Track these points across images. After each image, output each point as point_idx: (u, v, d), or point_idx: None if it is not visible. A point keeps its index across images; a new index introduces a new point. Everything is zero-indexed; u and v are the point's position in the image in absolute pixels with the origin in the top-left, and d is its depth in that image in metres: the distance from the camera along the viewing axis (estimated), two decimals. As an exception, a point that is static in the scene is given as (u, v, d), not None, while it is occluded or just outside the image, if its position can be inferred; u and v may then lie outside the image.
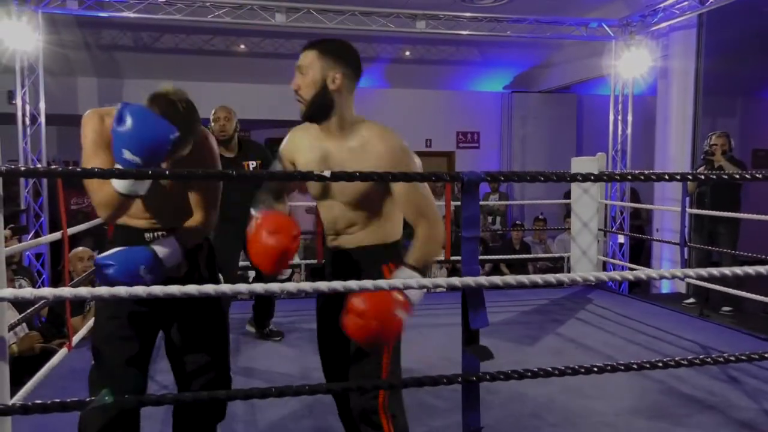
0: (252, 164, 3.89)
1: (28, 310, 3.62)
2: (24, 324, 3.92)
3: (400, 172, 2.03)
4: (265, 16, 6.66)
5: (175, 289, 1.68)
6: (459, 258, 2.10)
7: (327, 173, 1.91)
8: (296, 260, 6.76)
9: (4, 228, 5.04)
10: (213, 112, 4.01)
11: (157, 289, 1.68)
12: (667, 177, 2.12)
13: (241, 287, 1.80)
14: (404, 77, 10.12)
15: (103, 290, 1.72)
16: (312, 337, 4.31)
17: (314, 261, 6.10)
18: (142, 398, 1.87)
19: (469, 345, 2.25)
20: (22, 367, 3.55)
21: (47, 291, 1.77)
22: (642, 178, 2.12)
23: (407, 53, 9.72)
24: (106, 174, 1.75)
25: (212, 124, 3.94)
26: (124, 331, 2.10)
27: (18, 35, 6.18)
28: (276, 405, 3.03)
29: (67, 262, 3.50)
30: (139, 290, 1.68)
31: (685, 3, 6.48)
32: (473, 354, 2.13)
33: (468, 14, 7.15)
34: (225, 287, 1.76)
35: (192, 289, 1.70)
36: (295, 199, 4.76)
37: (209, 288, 1.74)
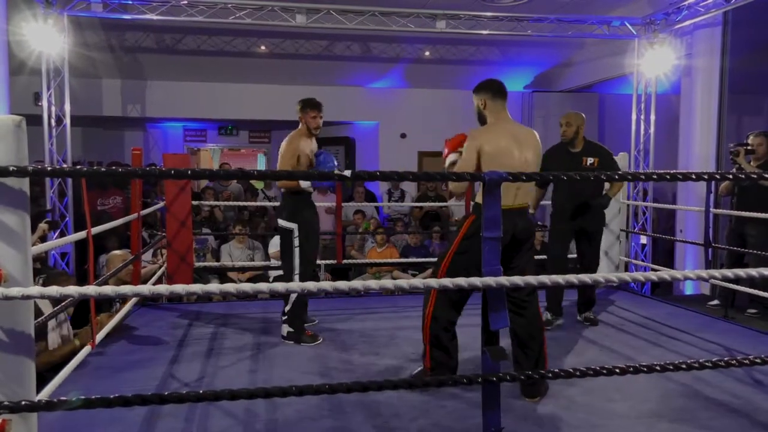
0: (590, 160, 4.49)
1: (54, 309, 3.67)
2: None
3: (423, 172, 2.03)
4: (285, 17, 6.69)
5: (197, 287, 1.70)
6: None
7: (347, 173, 1.92)
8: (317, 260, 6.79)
9: (41, 222, 5.11)
10: None
11: (179, 288, 1.70)
12: (694, 177, 2.09)
13: (262, 286, 1.82)
14: (424, 77, 10.10)
15: (126, 289, 1.75)
16: (332, 336, 4.35)
17: (334, 261, 6.12)
18: (165, 396, 1.89)
19: (488, 345, 2.24)
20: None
21: (73, 289, 1.80)
22: (668, 177, 2.10)
23: (427, 53, 9.70)
24: (129, 174, 1.77)
25: None
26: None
27: (44, 38, 6.29)
28: (296, 404, 3.04)
29: (92, 261, 3.55)
30: (161, 288, 1.70)
31: (710, 1, 6.39)
32: (489, 354, 2.13)
33: (488, 14, 7.12)
34: (246, 286, 1.77)
35: (214, 287, 1.71)
36: (315, 199, 4.83)
37: (230, 287, 1.76)
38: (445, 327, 3.28)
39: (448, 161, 3.28)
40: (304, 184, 4.17)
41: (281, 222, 4.26)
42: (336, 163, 4.33)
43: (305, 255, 4.19)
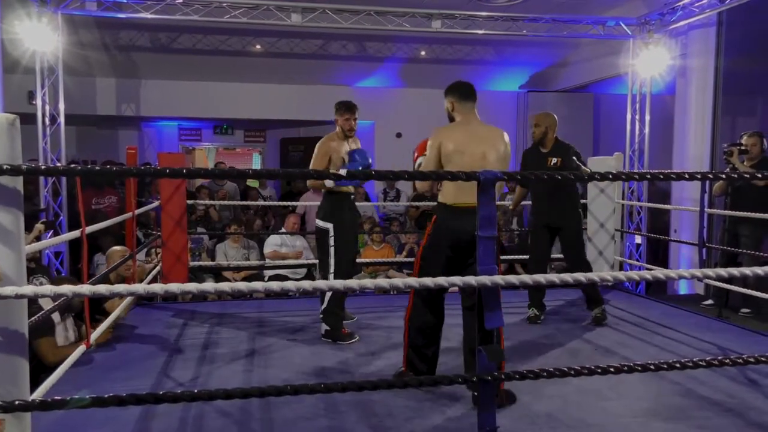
0: (554, 160, 4.61)
1: (47, 308, 3.66)
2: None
3: (418, 172, 2.03)
4: (280, 16, 6.68)
5: (192, 287, 1.70)
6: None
7: (342, 172, 1.92)
8: (312, 260, 6.79)
9: (37, 222, 5.09)
10: None
11: (175, 287, 1.70)
12: (687, 176, 2.10)
13: (257, 285, 1.82)
14: (420, 77, 10.11)
15: (121, 288, 1.74)
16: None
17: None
18: (160, 395, 1.89)
19: (484, 345, 2.24)
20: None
21: (66, 288, 1.79)
22: (662, 177, 2.11)
23: (423, 53, 9.70)
24: (124, 173, 1.77)
25: None
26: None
27: (38, 36, 6.26)
28: (292, 403, 3.04)
29: (86, 260, 3.54)
30: (156, 288, 1.70)
31: (704, 1, 6.41)
32: (486, 354, 2.13)
33: (484, 13, 7.12)
34: (242, 285, 1.77)
35: (209, 287, 1.71)
36: (310, 199, 4.82)
37: (225, 286, 1.75)
38: (421, 331, 3.30)
39: (416, 164, 3.33)
40: (329, 183, 4.25)
41: (317, 221, 4.33)
42: (369, 160, 4.32)
43: (340, 255, 4.23)
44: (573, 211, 4.78)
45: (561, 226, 4.75)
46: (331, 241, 4.20)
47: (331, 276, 4.16)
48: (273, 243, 6.90)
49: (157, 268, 5.41)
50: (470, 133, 3.23)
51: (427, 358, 3.33)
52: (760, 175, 2.52)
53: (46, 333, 3.65)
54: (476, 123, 3.31)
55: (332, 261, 4.19)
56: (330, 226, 4.22)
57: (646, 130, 7.50)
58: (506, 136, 3.30)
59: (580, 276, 2.06)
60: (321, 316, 4.27)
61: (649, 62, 7.31)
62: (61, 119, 6.57)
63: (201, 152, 13.29)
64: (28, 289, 1.79)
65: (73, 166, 5.56)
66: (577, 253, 4.85)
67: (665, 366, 2.19)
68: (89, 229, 3.55)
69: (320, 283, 1.88)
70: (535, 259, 4.88)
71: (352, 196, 4.42)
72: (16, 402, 1.80)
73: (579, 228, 4.90)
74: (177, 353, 3.97)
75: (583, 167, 4.66)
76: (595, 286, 4.78)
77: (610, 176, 2.20)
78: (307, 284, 1.87)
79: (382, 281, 1.98)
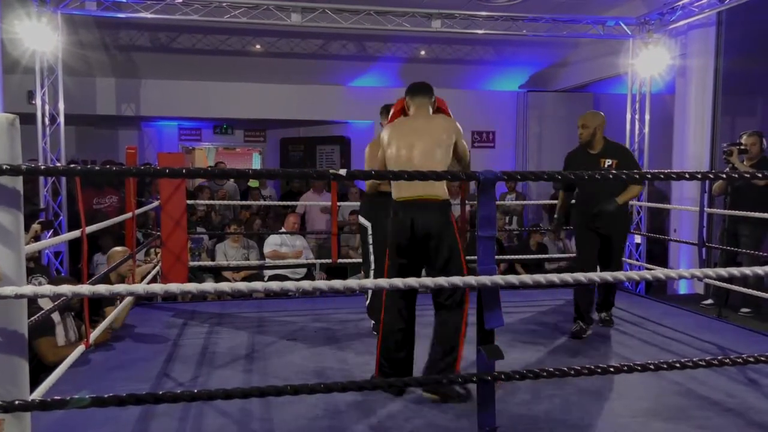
0: (608, 162, 4.44)
1: (46, 308, 3.65)
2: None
3: (417, 171, 2.03)
4: (280, 16, 6.68)
5: (192, 287, 1.70)
6: (474, 258, 2.09)
7: (342, 172, 1.92)
8: (312, 259, 6.79)
9: (34, 223, 5.09)
10: None
11: (174, 287, 1.69)
12: (687, 176, 2.10)
13: (257, 285, 1.82)
14: (419, 76, 10.04)
15: (121, 288, 1.74)
16: (327, 335, 4.35)
17: (329, 260, 6.11)
18: (159, 395, 1.89)
19: (483, 344, 2.24)
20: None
21: (66, 288, 1.79)
22: (662, 177, 2.11)
23: (422, 52, 9.70)
24: (123, 173, 1.77)
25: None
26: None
27: (38, 36, 6.26)
28: (291, 403, 3.04)
29: (86, 260, 3.54)
30: (156, 288, 1.70)
31: (704, 1, 6.40)
32: (484, 353, 2.13)
33: (484, 13, 7.12)
34: (241, 285, 1.77)
35: (209, 287, 1.71)
36: (310, 198, 4.82)
37: (225, 286, 1.75)
38: (392, 334, 3.25)
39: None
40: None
41: (360, 219, 4.46)
42: None
43: (379, 252, 4.29)
44: (624, 217, 4.65)
45: (609, 233, 4.42)
46: (370, 239, 4.32)
47: (372, 273, 4.27)
48: (273, 243, 6.90)
49: (157, 268, 5.41)
50: (407, 126, 3.31)
51: (399, 364, 3.27)
52: (759, 175, 2.52)
53: (46, 333, 3.65)
54: (421, 116, 3.35)
55: (372, 258, 4.29)
56: (369, 224, 4.33)
57: (646, 129, 7.49)
58: (452, 125, 3.27)
59: (580, 276, 2.06)
60: (366, 312, 4.41)
61: (648, 62, 7.30)
62: (61, 119, 6.57)
63: (201, 152, 13.28)
64: (28, 289, 1.79)
65: (72, 166, 5.56)
66: (618, 260, 4.58)
67: (665, 366, 2.19)
68: (89, 229, 3.55)
69: (320, 283, 1.88)
70: (581, 268, 4.29)
71: None
72: (16, 402, 1.80)
73: (626, 235, 4.83)
74: (177, 353, 3.97)
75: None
76: (614, 291, 4.77)
77: (610, 176, 2.20)
78: (306, 284, 1.87)
79: (382, 281, 1.98)
